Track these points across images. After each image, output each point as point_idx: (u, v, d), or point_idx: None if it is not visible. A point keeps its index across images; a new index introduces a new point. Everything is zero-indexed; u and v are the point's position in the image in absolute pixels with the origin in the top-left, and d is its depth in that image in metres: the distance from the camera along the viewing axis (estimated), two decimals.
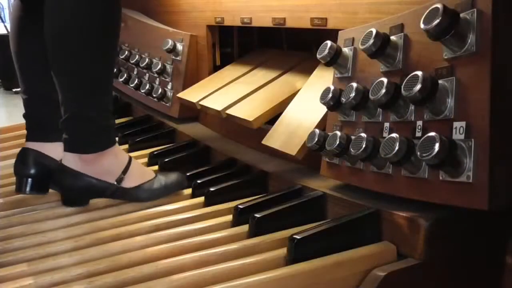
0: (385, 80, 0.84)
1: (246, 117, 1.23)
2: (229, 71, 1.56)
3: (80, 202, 1.15)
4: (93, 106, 1.10)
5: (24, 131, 1.24)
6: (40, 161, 1.20)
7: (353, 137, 0.91)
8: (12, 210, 1.17)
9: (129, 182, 1.14)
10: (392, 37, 0.88)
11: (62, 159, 1.12)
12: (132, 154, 1.49)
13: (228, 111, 1.31)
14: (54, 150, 1.20)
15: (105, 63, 1.12)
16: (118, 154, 1.16)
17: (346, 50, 0.99)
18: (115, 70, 1.90)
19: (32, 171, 1.19)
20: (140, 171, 1.18)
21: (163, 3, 1.85)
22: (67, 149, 1.11)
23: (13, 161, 1.24)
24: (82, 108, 1.09)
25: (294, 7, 1.23)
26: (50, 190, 1.23)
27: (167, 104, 1.68)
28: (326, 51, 0.97)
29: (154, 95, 1.69)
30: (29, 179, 1.19)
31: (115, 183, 1.13)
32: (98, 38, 1.08)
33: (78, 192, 1.13)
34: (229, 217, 1.04)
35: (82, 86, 1.09)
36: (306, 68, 1.31)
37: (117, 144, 1.17)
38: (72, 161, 1.11)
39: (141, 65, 1.75)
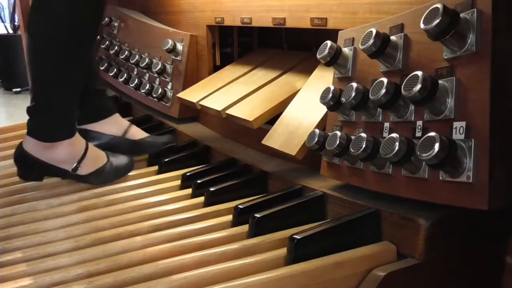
0: (385, 80, 0.84)
1: (246, 117, 1.23)
2: (229, 71, 1.56)
3: (35, 179, 1.25)
4: (59, 98, 1.18)
5: (24, 131, 1.25)
6: None
7: (353, 137, 0.91)
8: (12, 210, 1.17)
9: (84, 170, 1.22)
10: (392, 37, 0.88)
11: (23, 140, 1.20)
12: None
13: (228, 111, 1.31)
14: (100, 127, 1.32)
15: (77, 61, 1.19)
16: (76, 144, 1.23)
17: (346, 50, 0.99)
18: (111, 68, 1.92)
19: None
20: (94, 157, 1.26)
21: (163, 3, 1.85)
22: (29, 133, 1.19)
23: (12, 161, 1.25)
24: (48, 98, 1.17)
25: (294, 7, 1.22)
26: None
27: (167, 104, 1.68)
28: (326, 51, 0.97)
29: (154, 95, 1.69)
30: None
31: (71, 171, 1.21)
32: (75, 37, 1.15)
33: (34, 173, 1.22)
34: (229, 217, 1.04)
35: (52, 78, 1.17)
36: (306, 68, 1.31)
37: (76, 134, 1.24)
38: (31, 144, 1.19)
39: (141, 65, 1.75)
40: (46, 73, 1.17)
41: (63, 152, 1.20)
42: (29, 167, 1.20)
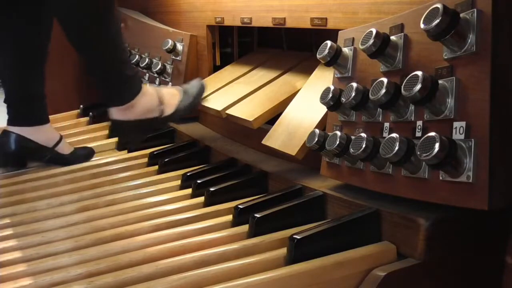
0: (385, 80, 0.84)
1: (246, 117, 1.23)
2: (229, 71, 1.56)
3: (137, 142, 1.38)
4: (120, 62, 1.25)
5: None
6: (19, 142, 1.36)
7: (353, 137, 0.91)
8: (13, 210, 1.17)
9: (169, 109, 1.32)
10: (392, 37, 0.88)
11: (109, 114, 1.28)
12: (132, 154, 1.50)
13: (228, 111, 1.31)
14: (31, 133, 1.37)
15: (117, 28, 1.28)
16: (148, 92, 1.30)
17: (346, 50, 0.99)
18: None
19: (13, 149, 1.36)
20: (169, 94, 1.34)
21: (163, 3, 1.85)
22: (110, 104, 1.27)
23: None
24: (112, 66, 1.24)
25: (294, 7, 1.23)
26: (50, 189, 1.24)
27: None
28: (326, 51, 0.97)
29: None
30: (10, 157, 1.37)
31: (159, 116, 1.30)
32: (110, 9, 1.23)
33: (133, 135, 1.32)
34: (229, 217, 1.04)
35: (110, 50, 1.23)
36: (306, 68, 1.31)
37: (144, 84, 1.31)
38: (116, 113, 1.27)
39: (141, 65, 1.75)
40: (106, 47, 1.23)
41: (144, 103, 1.27)
42: (128, 133, 1.30)
